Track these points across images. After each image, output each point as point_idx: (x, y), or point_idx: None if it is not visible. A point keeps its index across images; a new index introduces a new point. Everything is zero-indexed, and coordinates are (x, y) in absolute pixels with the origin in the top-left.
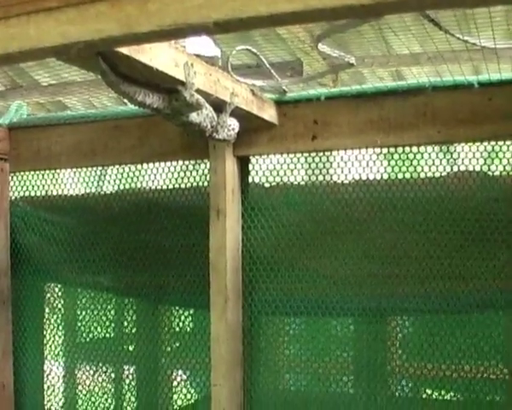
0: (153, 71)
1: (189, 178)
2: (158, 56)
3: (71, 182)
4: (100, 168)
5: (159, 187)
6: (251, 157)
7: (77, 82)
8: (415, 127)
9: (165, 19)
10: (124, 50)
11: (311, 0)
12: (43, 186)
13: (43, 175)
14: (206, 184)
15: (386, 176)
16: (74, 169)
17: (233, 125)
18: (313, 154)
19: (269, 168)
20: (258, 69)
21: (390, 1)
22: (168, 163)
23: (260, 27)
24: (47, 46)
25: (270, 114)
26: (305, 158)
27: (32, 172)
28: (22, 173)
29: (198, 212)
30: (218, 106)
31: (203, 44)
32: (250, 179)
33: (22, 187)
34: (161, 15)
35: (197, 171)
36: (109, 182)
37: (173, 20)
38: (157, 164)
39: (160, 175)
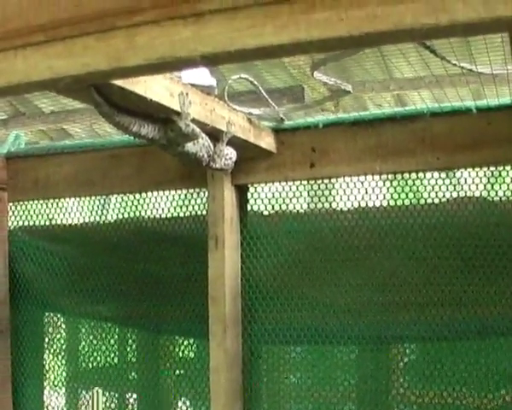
0: (147, 101)
1: (187, 207)
2: (152, 87)
3: (70, 211)
4: (103, 197)
5: (157, 216)
6: (249, 186)
7: (79, 109)
8: (413, 154)
9: (153, 53)
10: (117, 82)
11: (298, 32)
12: (43, 216)
13: (41, 205)
14: (204, 212)
15: (386, 203)
16: (73, 198)
17: (230, 153)
18: (312, 181)
19: (267, 197)
20: (256, 96)
21: (380, 32)
22: (166, 192)
23: (248, 60)
24: (35, 80)
25: (267, 142)
26: (304, 186)
27: (31, 202)
28: (21, 203)
29: (196, 241)
30: (215, 135)
31: (199, 74)
32: (249, 208)
33: (21, 216)
34: (149, 49)
35: (195, 200)
36: (108, 211)
37: (161, 54)
38: (155, 193)
39: (158, 204)
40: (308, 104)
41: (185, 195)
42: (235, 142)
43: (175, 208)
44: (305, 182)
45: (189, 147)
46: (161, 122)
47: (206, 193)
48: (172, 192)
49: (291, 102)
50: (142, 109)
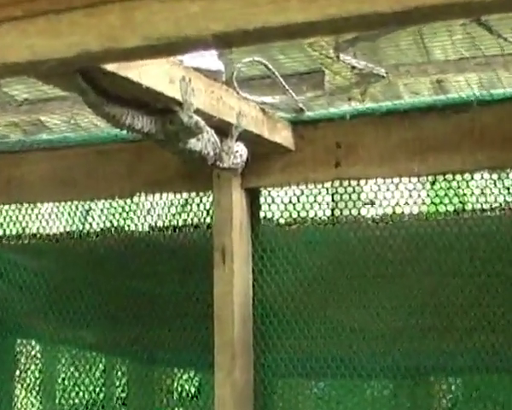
0: (143, 89)
1: (188, 214)
2: (149, 72)
3: (48, 218)
4: (87, 202)
5: (153, 224)
6: (262, 189)
7: (58, 97)
8: (458, 150)
9: (154, 31)
10: (108, 66)
11: (330, 7)
12: (15, 224)
13: (14, 210)
14: (208, 220)
15: (425, 209)
16: (52, 203)
17: (240, 151)
18: (337, 184)
19: (283, 202)
20: (271, 82)
21: (430, 6)
22: (164, 196)
23: (269, 41)
24: (11, 62)
25: (284, 136)
26: (328, 189)
27: (1, 207)
28: None
29: (199, 253)
30: (222, 129)
31: (203, 56)
32: (261, 215)
33: None
34: (149, 27)
35: (198, 205)
36: (94, 218)
37: (163, 33)
38: (151, 197)
39: (153, 210)
40: (332, 92)
41: (186, 199)
42: (246, 137)
43: (174, 215)
44: (328, 184)
45: (192, 143)
46: (159, 113)
47: (211, 197)
48: (171, 196)
49: (312, 90)
50: (136, 98)
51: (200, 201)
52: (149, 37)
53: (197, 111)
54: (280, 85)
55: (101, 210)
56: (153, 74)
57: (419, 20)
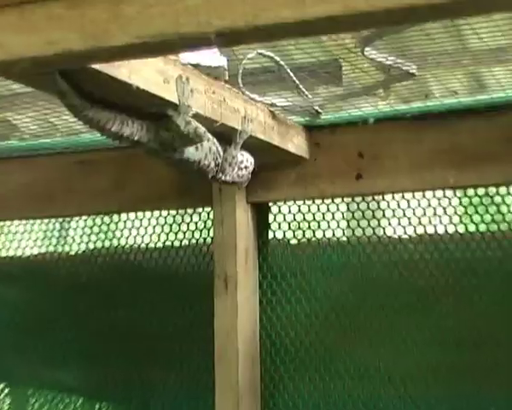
0: (132, 90)
1: (184, 234)
2: (140, 70)
3: (20, 238)
4: (66, 219)
5: (143, 246)
6: (271, 204)
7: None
8: (503, 160)
9: (148, 27)
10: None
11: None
12: None
13: None
14: (209, 241)
15: (462, 228)
16: (24, 221)
17: (246, 161)
18: (359, 199)
19: (296, 219)
20: (282, 82)
21: None
22: (156, 213)
23: (282, 38)
24: None
25: (297, 144)
26: (348, 205)
27: None
28: None
29: (198, 280)
30: (225, 136)
31: (203, 51)
32: (270, 235)
33: None
34: (142, 22)
35: (196, 224)
36: (74, 239)
37: (159, 29)
38: (141, 215)
39: (144, 229)
40: (354, 91)
41: (182, 217)
42: (252, 144)
43: (168, 236)
44: (348, 199)
45: (190, 153)
46: (151, 118)
47: (212, 215)
48: (165, 214)
49: (330, 89)
50: (124, 101)
51: (199, 219)
52: (142, 34)
53: (196, 115)
54: (293, 84)
55: (83, 229)
56: (144, 73)
57: (461, 12)
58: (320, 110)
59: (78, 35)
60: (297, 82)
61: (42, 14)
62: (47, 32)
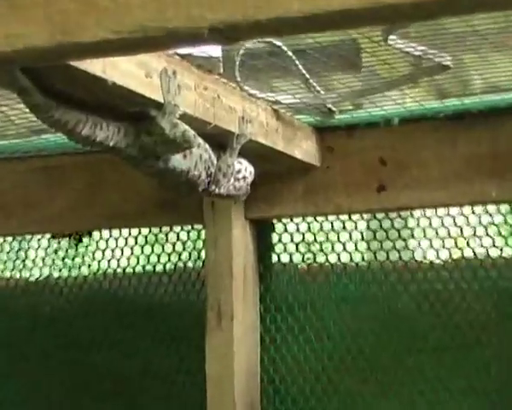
0: (108, 86)
1: (169, 256)
2: (116, 63)
3: None
4: (25, 238)
5: (119, 271)
6: (275, 222)
7: None
8: None
9: (127, 21)
10: None
11: None
12: None
13: None
14: (199, 265)
15: (508, 252)
16: None
17: (244, 170)
18: (381, 215)
19: (305, 240)
20: (287, 74)
21: None
22: (135, 231)
23: (289, 34)
24: None
25: (306, 149)
26: (368, 222)
27: None
28: None
29: (186, 313)
30: (220, 140)
31: None
32: (274, 258)
33: None
34: (120, 15)
35: (184, 244)
36: (35, 262)
37: (141, 22)
38: (116, 232)
39: (121, 251)
40: (375, 86)
41: (166, 236)
42: (252, 150)
43: (149, 258)
44: (368, 216)
45: (177, 161)
46: (130, 120)
47: (203, 234)
48: (145, 231)
49: (346, 84)
50: (98, 99)
51: (187, 238)
52: (120, 28)
53: (184, 116)
54: (301, 77)
55: (46, 251)
56: (122, 66)
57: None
58: (334, 108)
59: (43, 29)
60: (305, 74)
61: (1, 3)
62: (6, 24)
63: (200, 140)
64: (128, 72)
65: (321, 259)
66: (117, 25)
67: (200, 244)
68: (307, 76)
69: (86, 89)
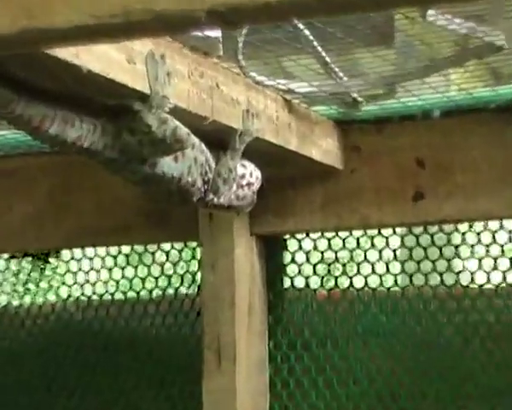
0: (81, 75)
1: (157, 281)
2: (93, 47)
3: None
4: None
5: (95, 298)
6: (287, 238)
7: None
8: None
9: (107, 3)
10: None
11: None
12: None
13: None
14: (194, 291)
15: None
16: None
17: (249, 175)
18: (418, 230)
19: (325, 260)
20: (301, 57)
21: None
22: (114, 249)
23: (299, 17)
24: None
25: (325, 148)
26: (402, 238)
27: None
28: None
29: (178, 350)
30: (219, 139)
31: None
32: (286, 283)
33: None
34: None
35: (175, 265)
36: None
37: (124, 5)
38: (90, 251)
39: (97, 274)
40: (411, 71)
41: (153, 254)
42: (259, 151)
43: (131, 283)
44: (402, 230)
45: (166, 165)
46: (109, 116)
47: (199, 253)
48: (126, 250)
49: (375, 68)
50: (70, 91)
51: (179, 259)
52: (99, 12)
53: (175, 110)
54: (319, 60)
55: (4, 273)
56: (99, 50)
57: None
58: (360, 98)
59: (3, 12)
60: (325, 56)
61: None
62: None
63: (194, 139)
64: (106, 56)
65: (344, 283)
66: (94, 8)
67: (194, 266)
68: (327, 58)
69: (55, 78)
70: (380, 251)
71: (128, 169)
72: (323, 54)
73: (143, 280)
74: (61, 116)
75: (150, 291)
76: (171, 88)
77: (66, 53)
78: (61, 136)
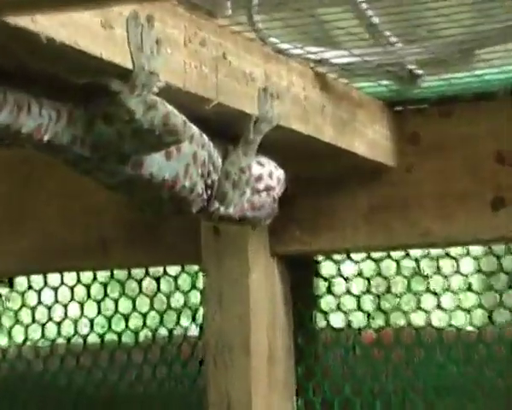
0: (40, 45)
1: (144, 318)
2: None
3: None
4: None
5: (61, 342)
6: (321, 259)
7: None
8: None
9: None
10: None
11: None
12: None
13: None
14: (194, 333)
15: None
16: None
17: (267, 176)
18: (499, 248)
19: (373, 289)
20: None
21: None
22: (87, 276)
23: None
24: None
25: (372, 139)
26: (477, 260)
27: None
28: None
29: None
30: (227, 129)
31: None
32: (320, 321)
33: None
34: None
35: (168, 297)
36: None
37: None
38: (55, 278)
39: (63, 309)
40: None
41: (139, 283)
42: (282, 143)
43: (110, 321)
44: (478, 250)
45: (156, 165)
46: (78, 99)
47: (201, 280)
48: (103, 276)
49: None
50: (24, 67)
51: (175, 289)
52: None
53: (168, 90)
54: (363, 19)
55: None
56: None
57: None
58: (419, 70)
59: None
60: (370, 13)
61: None
62: None
63: (193, 129)
64: (73, 20)
65: (399, 320)
66: None
67: (195, 298)
68: (374, 18)
69: (3, 49)
70: (447, 277)
71: (104, 170)
72: (369, 11)
73: (126, 317)
74: (13, 100)
75: (136, 333)
76: (162, 60)
77: (18, 18)
78: (12, 126)
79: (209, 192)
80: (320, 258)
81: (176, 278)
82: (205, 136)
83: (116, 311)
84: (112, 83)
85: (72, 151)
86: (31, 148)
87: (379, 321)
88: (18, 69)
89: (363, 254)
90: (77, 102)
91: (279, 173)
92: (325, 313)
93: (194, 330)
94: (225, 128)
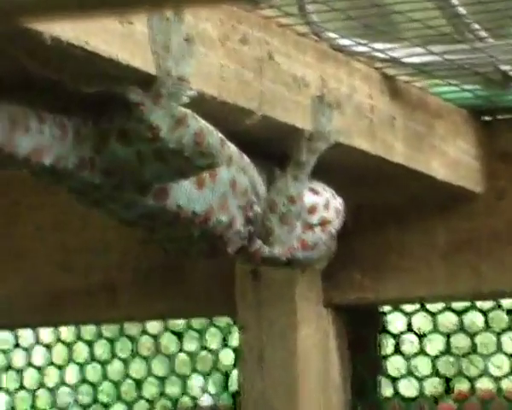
0: (43, 47)
1: (162, 384)
2: None
3: None
4: None
5: None
6: (387, 311)
7: None
8: None
9: None
10: None
11: None
12: None
13: None
14: (226, 404)
15: None
16: None
17: (323, 208)
18: None
19: (454, 349)
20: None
21: None
22: (87, 331)
23: None
24: None
25: (455, 159)
26: None
27: None
28: None
29: None
30: (272, 147)
31: None
32: (387, 388)
33: None
34: None
35: (193, 357)
36: None
37: None
38: (45, 333)
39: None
40: None
41: (154, 339)
42: (342, 164)
43: (117, 388)
44: None
45: (184, 196)
46: (88, 113)
47: (237, 336)
48: (109, 331)
49: None
50: (24, 74)
51: (202, 347)
52: None
53: (200, 100)
54: (443, 12)
55: None
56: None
57: None
58: None
59: None
60: (459, 10)
61: None
62: None
63: (232, 150)
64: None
65: (487, 388)
66: None
67: (228, 359)
68: (459, 8)
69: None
70: None
71: (118, 201)
72: None
73: (139, 383)
74: (6, 113)
75: (151, 402)
76: (192, 63)
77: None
78: (4, 146)
79: (250, 228)
80: (387, 309)
81: (202, 332)
82: (246, 157)
83: (126, 375)
84: (130, 92)
85: (79, 178)
86: (28, 172)
87: (461, 388)
88: (14, 75)
89: (442, 305)
90: (86, 116)
91: (337, 203)
92: (393, 379)
93: (225, 400)
94: (271, 147)
